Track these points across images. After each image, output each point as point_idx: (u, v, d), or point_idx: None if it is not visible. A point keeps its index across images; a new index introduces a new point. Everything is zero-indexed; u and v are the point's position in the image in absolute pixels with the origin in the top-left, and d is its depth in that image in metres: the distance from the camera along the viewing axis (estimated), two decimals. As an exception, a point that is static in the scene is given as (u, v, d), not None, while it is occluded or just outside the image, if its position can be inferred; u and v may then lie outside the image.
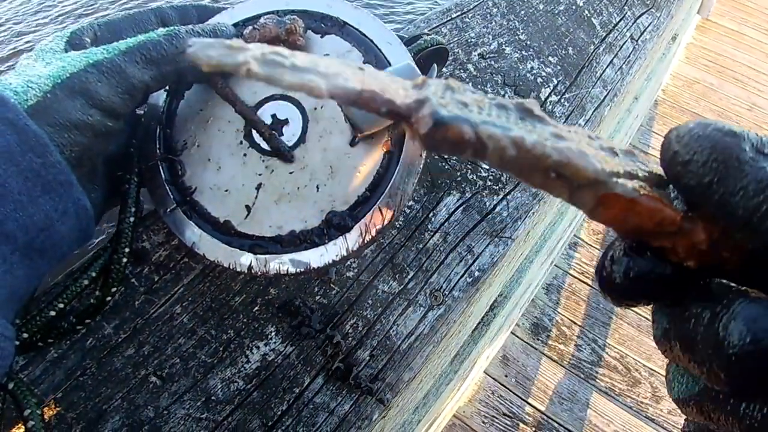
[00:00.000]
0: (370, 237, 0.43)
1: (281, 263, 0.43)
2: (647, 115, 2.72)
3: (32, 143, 0.31)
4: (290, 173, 0.44)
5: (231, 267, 0.43)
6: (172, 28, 0.39)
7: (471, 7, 0.72)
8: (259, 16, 0.45)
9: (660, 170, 0.20)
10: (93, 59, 0.35)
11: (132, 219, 0.42)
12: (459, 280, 0.56)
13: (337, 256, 0.43)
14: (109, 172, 0.42)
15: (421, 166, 0.44)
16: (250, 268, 0.43)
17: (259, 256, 0.43)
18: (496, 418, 1.75)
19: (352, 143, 0.44)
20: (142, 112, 0.45)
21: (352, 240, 0.43)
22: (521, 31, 0.73)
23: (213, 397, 0.45)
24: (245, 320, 0.47)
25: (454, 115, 0.17)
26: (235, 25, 0.45)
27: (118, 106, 0.36)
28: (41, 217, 0.32)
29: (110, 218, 0.44)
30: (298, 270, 0.43)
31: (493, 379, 1.83)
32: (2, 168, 0.30)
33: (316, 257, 0.43)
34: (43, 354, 0.42)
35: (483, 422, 1.74)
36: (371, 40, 0.46)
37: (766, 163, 0.17)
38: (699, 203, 0.18)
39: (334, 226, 0.43)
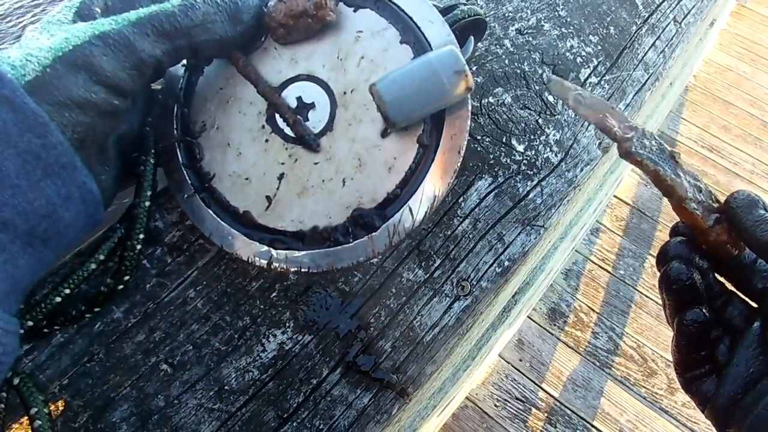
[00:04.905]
0: (399, 239, 0.40)
1: (302, 261, 0.40)
2: (677, 101, 2.64)
3: (31, 122, 0.29)
4: (315, 164, 0.41)
5: (249, 261, 0.40)
6: None
7: (509, -22, 0.67)
8: None
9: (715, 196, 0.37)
10: (99, 30, 0.32)
11: (147, 204, 0.39)
12: (488, 269, 0.53)
13: (362, 257, 0.40)
14: (122, 152, 0.39)
15: (459, 164, 0.41)
16: (269, 264, 0.40)
17: (279, 251, 0.40)
18: (509, 402, 1.74)
19: (384, 134, 0.41)
20: (159, 87, 0.42)
21: (378, 241, 0.40)
22: (561, 7, 0.68)
23: (226, 387, 0.43)
24: (262, 307, 0.45)
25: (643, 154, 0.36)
26: None
27: (124, 83, 0.33)
28: (42, 202, 0.30)
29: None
30: (319, 270, 0.40)
31: (507, 362, 1.81)
32: None
33: (340, 257, 0.40)
34: (48, 338, 0.40)
35: (495, 405, 1.73)
36: (410, 17, 0.42)
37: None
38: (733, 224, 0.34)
39: (360, 224, 0.40)
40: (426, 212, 0.40)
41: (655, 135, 0.36)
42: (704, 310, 0.35)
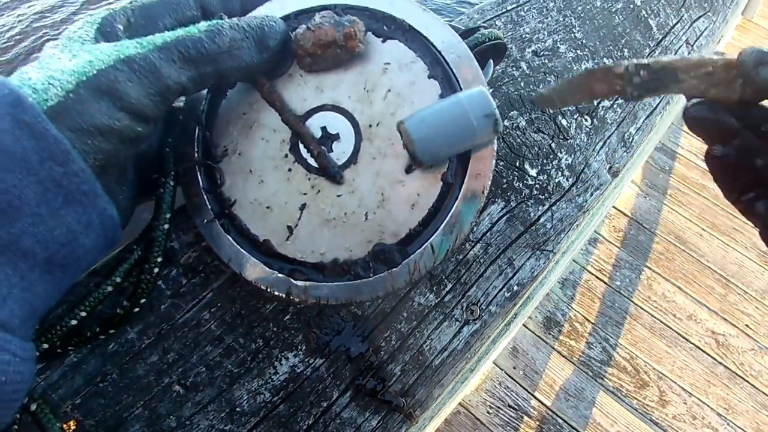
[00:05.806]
0: (419, 276, 0.40)
1: (321, 293, 0.40)
2: (678, 113, 2.64)
3: (52, 150, 0.28)
4: (338, 196, 0.40)
5: (268, 291, 0.40)
6: (214, 22, 0.34)
7: (527, -1, 0.67)
8: (313, 10, 0.41)
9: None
10: (124, 54, 0.31)
11: (166, 226, 0.38)
12: (497, 294, 0.54)
13: (381, 292, 0.40)
14: (139, 170, 0.38)
15: (482, 203, 0.41)
16: (288, 294, 0.40)
17: (299, 282, 0.40)
18: (501, 409, 1.75)
19: (408, 170, 0.40)
20: (179, 105, 0.41)
21: (398, 277, 0.40)
22: (577, 28, 0.68)
23: (238, 409, 0.43)
24: (275, 329, 0.45)
25: None
26: (285, 18, 0.41)
27: (148, 110, 0.32)
28: (63, 230, 0.29)
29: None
30: (338, 302, 0.40)
31: (501, 369, 1.82)
32: (18, 178, 0.27)
33: (359, 291, 0.40)
34: (61, 358, 0.39)
35: (488, 412, 1.74)
36: (439, 51, 0.41)
37: None
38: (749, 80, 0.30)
39: (380, 259, 0.40)
40: (447, 251, 0.40)
41: (640, 62, 0.33)
42: (725, 147, 0.34)
